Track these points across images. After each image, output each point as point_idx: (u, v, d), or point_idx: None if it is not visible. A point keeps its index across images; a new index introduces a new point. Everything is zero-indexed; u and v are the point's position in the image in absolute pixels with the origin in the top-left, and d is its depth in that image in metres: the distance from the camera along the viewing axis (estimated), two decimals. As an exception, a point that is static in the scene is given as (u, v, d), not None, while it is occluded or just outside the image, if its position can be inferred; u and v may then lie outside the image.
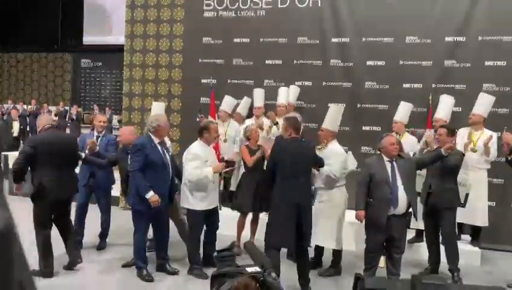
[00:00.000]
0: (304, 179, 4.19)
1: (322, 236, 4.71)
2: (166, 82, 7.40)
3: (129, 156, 4.52)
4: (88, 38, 19.41)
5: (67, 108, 16.21)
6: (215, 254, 1.84)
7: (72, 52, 20.03)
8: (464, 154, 4.80)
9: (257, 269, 1.78)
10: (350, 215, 5.36)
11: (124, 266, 4.82)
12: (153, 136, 4.45)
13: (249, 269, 1.76)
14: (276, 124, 5.80)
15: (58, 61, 20.91)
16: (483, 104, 5.37)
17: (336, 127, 4.82)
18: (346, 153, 4.89)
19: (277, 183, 4.16)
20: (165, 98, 7.32)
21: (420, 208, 4.77)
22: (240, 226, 5.32)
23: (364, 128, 6.46)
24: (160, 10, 7.38)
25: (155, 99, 7.30)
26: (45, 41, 19.36)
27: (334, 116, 4.82)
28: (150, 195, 4.32)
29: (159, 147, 4.47)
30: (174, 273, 4.68)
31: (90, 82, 19.91)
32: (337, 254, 4.85)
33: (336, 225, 4.74)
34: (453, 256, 4.71)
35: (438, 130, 4.83)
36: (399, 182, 4.24)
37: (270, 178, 4.24)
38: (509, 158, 4.69)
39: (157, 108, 6.02)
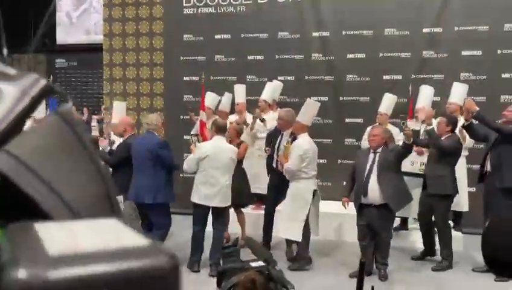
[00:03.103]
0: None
1: (281, 227, 4.85)
2: (148, 81, 7.35)
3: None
4: (62, 38, 19.04)
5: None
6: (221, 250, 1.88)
7: (46, 52, 19.63)
8: (460, 142, 4.89)
9: (261, 263, 1.82)
10: (329, 206, 5.48)
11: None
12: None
13: (254, 264, 1.81)
14: (263, 120, 5.85)
15: (32, 63, 20.47)
16: (458, 92, 5.54)
17: (309, 121, 4.88)
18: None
19: None
20: (147, 97, 7.28)
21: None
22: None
23: (347, 120, 6.57)
24: (139, 8, 7.31)
25: (137, 98, 7.26)
26: (17, 42, 18.91)
27: (308, 110, 4.89)
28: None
29: None
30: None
31: (66, 83, 19.55)
32: (296, 245, 4.86)
33: (294, 216, 4.72)
34: (445, 242, 4.88)
35: (439, 119, 4.95)
36: (374, 173, 4.38)
37: None
38: (465, 124, 4.79)
39: (119, 108, 5.96)
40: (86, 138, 0.44)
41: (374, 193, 4.38)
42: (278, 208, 5.36)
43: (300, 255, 4.82)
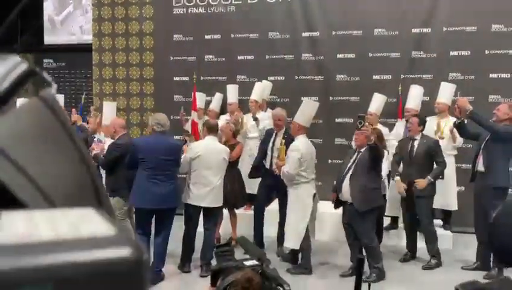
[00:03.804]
0: None
1: (286, 237, 4.74)
2: (138, 81, 7.31)
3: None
4: (49, 38, 18.83)
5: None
6: (214, 249, 1.87)
7: (34, 52, 19.38)
8: (438, 142, 4.98)
9: (255, 262, 1.82)
10: (321, 206, 5.47)
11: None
12: None
13: (247, 263, 1.81)
14: (256, 119, 5.85)
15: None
16: (446, 92, 5.61)
17: (307, 122, 4.80)
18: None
19: None
20: (137, 97, 7.24)
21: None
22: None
23: (337, 120, 6.59)
24: (129, 8, 7.27)
25: (127, 98, 7.21)
26: (3, 41, 18.66)
27: (306, 111, 4.86)
28: None
29: None
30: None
31: (54, 83, 19.30)
32: (295, 252, 4.82)
33: (295, 224, 4.66)
34: (431, 241, 4.92)
35: (410, 119, 5.03)
36: (350, 171, 4.43)
37: None
38: (457, 122, 4.81)
39: (109, 108, 5.90)
40: (69, 125, 0.41)
41: (346, 189, 4.44)
42: (269, 208, 5.36)
43: (303, 265, 4.76)
